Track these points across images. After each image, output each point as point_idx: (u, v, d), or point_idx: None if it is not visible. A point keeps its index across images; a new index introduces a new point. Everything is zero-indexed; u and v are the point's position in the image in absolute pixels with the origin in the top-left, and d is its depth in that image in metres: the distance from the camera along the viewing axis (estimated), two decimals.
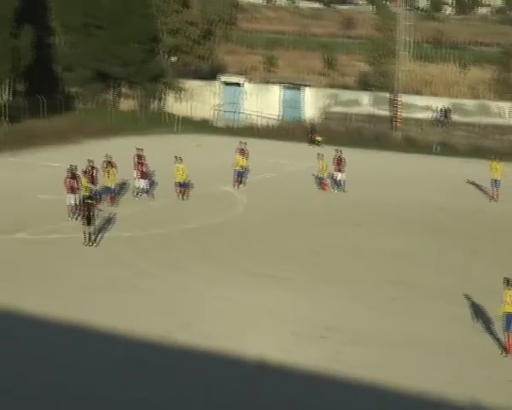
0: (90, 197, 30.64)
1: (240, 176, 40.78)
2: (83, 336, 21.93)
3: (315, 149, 52.10)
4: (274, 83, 64.60)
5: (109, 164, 36.41)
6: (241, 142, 42.62)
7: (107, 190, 36.13)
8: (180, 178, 37.65)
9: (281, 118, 61.33)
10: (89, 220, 30.00)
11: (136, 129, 58.24)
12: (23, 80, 65.63)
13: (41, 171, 42.03)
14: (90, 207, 30.06)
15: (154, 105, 64.70)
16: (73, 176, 33.43)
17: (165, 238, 31.59)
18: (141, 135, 54.05)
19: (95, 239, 30.30)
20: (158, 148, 50.18)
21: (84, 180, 34.17)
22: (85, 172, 34.85)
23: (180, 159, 37.64)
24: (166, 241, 31.24)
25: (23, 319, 22.94)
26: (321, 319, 23.66)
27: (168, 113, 62.52)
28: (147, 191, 37.86)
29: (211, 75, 67.52)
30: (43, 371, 19.80)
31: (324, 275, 27.75)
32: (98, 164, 36.33)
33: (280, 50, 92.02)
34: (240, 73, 71.44)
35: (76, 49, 61.87)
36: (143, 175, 37.70)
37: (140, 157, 38.17)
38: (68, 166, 33.84)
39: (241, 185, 40.56)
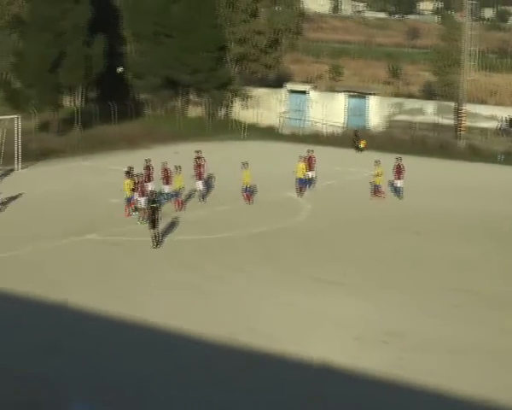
0: (154, 201, 31.00)
1: (302, 184, 40.64)
2: (148, 337, 22.15)
3: (361, 156, 52.01)
4: (339, 91, 64.47)
5: (166, 171, 36.85)
6: (308, 150, 42.51)
7: (174, 195, 36.45)
8: (246, 183, 37.85)
9: (345, 126, 61.15)
10: (154, 223, 30.37)
11: (203, 135, 58.66)
12: (95, 87, 66.72)
13: (112, 175, 42.62)
14: (154, 211, 30.43)
15: (221, 112, 65.09)
16: (145, 179, 33.88)
17: (230, 242, 31.74)
18: (208, 141, 54.42)
19: (160, 241, 30.60)
20: (224, 154, 50.50)
21: (127, 181, 34.45)
22: (130, 174, 35.11)
23: (246, 164, 37.81)
24: (232, 245, 31.40)
25: (92, 317, 23.27)
26: (383, 324, 23.51)
27: (235, 120, 62.83)
28: (203, 195, 38.06)
29: (277, 83, 67.69)
30: (109, 369, 20.07)
31: (386, 281, 27.58)
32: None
33: (345, 59, 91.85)
34: (305, 82, 71.45)
35: (146, 57, 62.58)
36: (201, 177, 38.02)
37: (199, 159, 38.51)
38: (142, 170, 34.44)
39: (303, 193, 40.38)
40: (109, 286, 25.92)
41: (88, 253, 29.61)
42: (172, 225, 33.47)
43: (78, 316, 23.39)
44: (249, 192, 38.06)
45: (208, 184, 40.47)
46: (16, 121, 44.51)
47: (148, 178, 36.22)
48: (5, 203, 35.47)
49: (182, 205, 36.44)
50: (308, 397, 19.02)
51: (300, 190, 40.35)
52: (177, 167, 36.56)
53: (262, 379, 19.81)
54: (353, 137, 56.44)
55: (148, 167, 36.88)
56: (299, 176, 40.40)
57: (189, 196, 38.35)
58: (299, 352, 21.25)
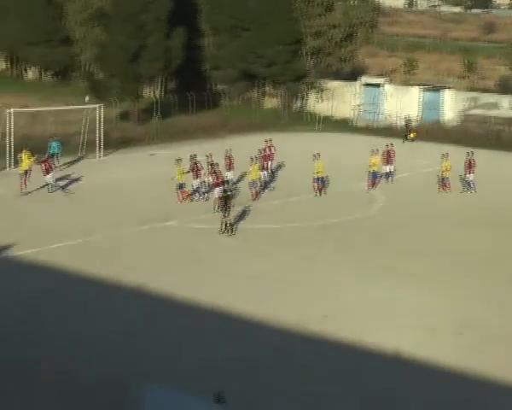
0: (227, 190, 31.23)
1: (376, 177, 40.20)
2: (223, 323, 22.24)
3: (409, 146, 51.37)
4: (413, 85, 63.70)
5: (229, 158, 37.69)
6: (387, 144, 41.82)
7: (252, 184, 36.46)
8: (318, 174, 37.60)
9: (420, 119, 60.39)
10: (226, 211, 30.53)
11: (278, 126, 58.66)
12: (174, 78, 67.27)
13: (188, 163, 42.74)
14: (227, 199, 30.57)
15: (297, 104, 64.96)
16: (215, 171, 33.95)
17: (304, 232, 31.68)
18: (283, 132, 54.36)
19: (232, 229, 30.74)
20: (299, 145, 50.39)
21: (179, 169, 35.12)
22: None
23: (318, 155, 37.59)
24: (305, 234, 31.32)
25: (169, 303, 23.49)
26: (457, 315, 23.20)
27: (309, 112, 62.65)
28: (266, 183, 38.31)
29: (351, 76, 67.24)
30: (191, 356, 20.23)
31: (461, 274, 27.17)
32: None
33: (420, 53, 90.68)
34: (380, 75, 70.82)
35: (223, 50, 62.83)
36: (266, 166, 38.64)
37: (268, 148, 39.33)
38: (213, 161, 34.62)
39: (376, 186, 39.90)
40: (186, 272, 26.11)
41: (167, 239, 29.89)
42: (247, 214, 33.56)
43: (155, 301, 23.61)
44: (320, 183, 37.79)
45: (275, 174, 40.54)
46: (98, 110, 45.15)
47: (229, 167, 37.28)
48: (74, 189, 35.97)
49: (257, 195, 36.46)
50: (381, 388, 18.86)
51: (373, 185, 39.84)
52: (254, 158, 36.64)
53: (335, 368, 19.72)
54: (404, 127, 55.99)
55: (228, 157, 37.67)
56: (374, 170, 39.86)
57: (265, 186, 38.36)
58: (372, 342, 21.09)
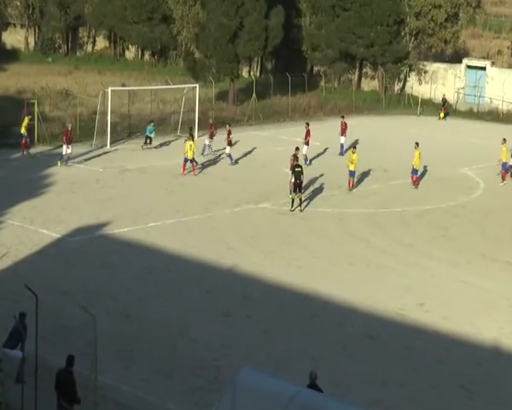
0: (297, 165, 31.54)
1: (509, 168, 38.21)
2: (319, 308, 22.22)
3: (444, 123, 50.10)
4: None
5: (308, 132, 39.49)
6: None
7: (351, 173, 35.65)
8: (414, 165, 36.04)
9: None
10: (297, 187, 30.91)
11: (377, 109, 58.18)
12: (271, 59, 67.34)
13: (284, 145, 42.92)
14: (298, 175, 30.94)
15: (397, 87, 64.13)
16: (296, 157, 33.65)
17: (402, 217, 31.34)
18: (381, 115, 53.91)
19: (300, 205, 31.17)
20: (398, 129, 49.84)
21: (189, 143, 36.03)
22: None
23: (417, 145, 36.36)
24: (404, 220, 30.99)
25: (263, 284, 23.61)
26: None
27: (410, 95, 61.79)
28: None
29: (453, 59, 65.97)
30: (279, 339, 20.32)
31: None
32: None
33: None
34: (484, 58, 69.24)
35: (322, 30, 62.40)
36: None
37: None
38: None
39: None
40: (280, 255, 26.19)
41: (261, 221, 30.03)
42: (345, 198, 33.41)
43: (250, 282, 23.76)
44: (415, 175, 36.66)
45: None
46: (193, 90, 45.53)
47: (307, 143, 39.30)
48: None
49: (352, 184, 35.34)
50: (478, 379, 18.56)
51: (503, 178, 37.85)
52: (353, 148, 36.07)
53: (430, 357, 19.50)
54: (441, 104, 57.18)
55: (308, 131, 39.53)
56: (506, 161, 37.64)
57: (367, 172, 38.06)
58: (470, 332, 20.78)
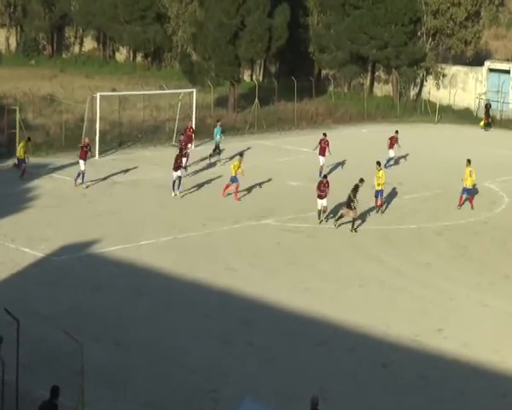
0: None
1: None
2: (327, 333, 22.22)
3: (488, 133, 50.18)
4: None
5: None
6: None
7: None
8: (467, 184, 34.81)
9: None
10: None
11: (391, 117, 58.30)
12: (276, 61, 67.54)
13: (289, 155, 43.02)
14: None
15: (412, 92, 64.20)
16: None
17: (418, 234, 31.37)
18: (396, 123, 53.90)
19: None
20: (416, 138, 49.86)
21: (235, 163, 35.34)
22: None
23: (468, 162, 35.32)
24: (420, 237, 31.01)
25: (266, 308, 23.61)
26: None
27: (427, 100, 61.83)
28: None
29: (474, 61, 66.06)
30: (284, 366, 20.31)
31: None
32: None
33: None
34: (508, 60, 69.35)
35: (331, 29, 62.55)
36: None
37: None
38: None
39: None
40: (284, 276, 26.20)
41: (263, 239, 30.03)
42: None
43: (251, 306, 23.78)
44: (465, 194, 34.90)
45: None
46: (189, 96, 45.69)
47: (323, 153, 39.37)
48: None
49: (382, 204, 34.98)
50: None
51: None
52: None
53: (449, 388, 19.48)
54: (486, 112, 57.30)
55: (323, 141, 39.42)
56: None
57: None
58: (493, 360, 20.76)
